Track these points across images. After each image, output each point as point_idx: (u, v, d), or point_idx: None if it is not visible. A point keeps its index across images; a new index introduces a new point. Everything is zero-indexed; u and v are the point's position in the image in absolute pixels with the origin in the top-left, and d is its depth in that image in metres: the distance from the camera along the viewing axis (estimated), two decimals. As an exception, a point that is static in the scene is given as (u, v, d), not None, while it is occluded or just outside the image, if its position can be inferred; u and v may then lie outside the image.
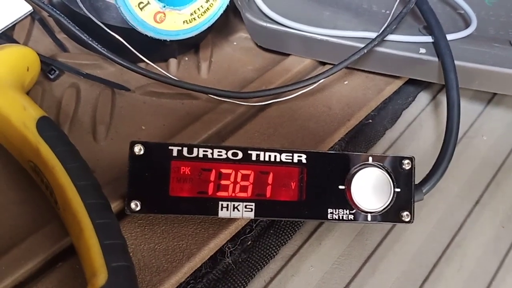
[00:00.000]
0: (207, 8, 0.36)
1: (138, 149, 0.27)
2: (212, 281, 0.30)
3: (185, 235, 0.30)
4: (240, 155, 0.28)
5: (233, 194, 0.28)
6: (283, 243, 0.32)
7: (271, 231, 0.32)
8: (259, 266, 0.31)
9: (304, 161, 0.29)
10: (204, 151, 0.28)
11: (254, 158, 0.29)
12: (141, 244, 0.29)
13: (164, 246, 0.29)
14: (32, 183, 0.30)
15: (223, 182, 0.28)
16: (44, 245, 0.28)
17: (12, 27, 0.39)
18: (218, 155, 0.28)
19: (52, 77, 0.37)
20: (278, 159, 0.29)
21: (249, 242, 0.31)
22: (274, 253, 0.32)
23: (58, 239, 0.28)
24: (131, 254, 0.27)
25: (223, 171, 0.28)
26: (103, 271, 0.24)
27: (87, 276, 0.25)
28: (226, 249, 0.31)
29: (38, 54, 0.35)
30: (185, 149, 0.28)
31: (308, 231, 0.33)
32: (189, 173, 0.28)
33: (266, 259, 0.31)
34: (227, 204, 0.28)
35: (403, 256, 0.33)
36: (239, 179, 0.28)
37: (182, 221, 0.30)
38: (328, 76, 0.38)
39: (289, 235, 0.32)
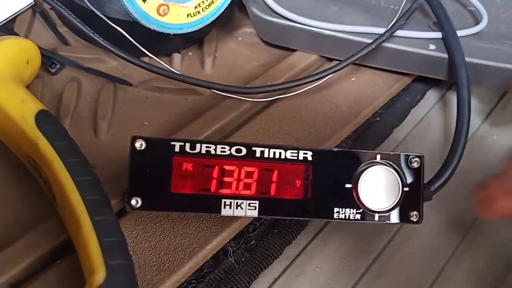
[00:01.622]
0: (212, 1, 0.35)
1: (139, 145, 0.27)
2: (214, 281, 0.29)
3: (187, 233, 0.29)
4: (244, 151, 0.28)
5: (237, 192, 0.27)
6: (288, 243, 0.31)
7: (275, 231, 0.31)
8: (262, 266, 0.30)
9: (309, 158, 0.28)
10: (207, 147, 0.27)
11: (258, 154, 0.28)
12: (141, 242, 0.29)
13: (165, 245, 0.29)
14: (31, 178, 0.29)
15: (226, 179, 0.27)
16: (42, 242, 0.27)
17: (12, 20, 0.38)
18: (221, 152, 0.27)
19: (53, 70, 0.36)
20: (283, 156, 0.28)
21: (253, 242, 0.31)
22: (278, 253, 0.31)
23: (56, 236, 0.27)
24: (131, 252, 0.26)
25: (227, 168, 0.27)
26: (102, 269, 0.23)
27: (85, 274, 0.24)
28: (229, 248, 0.30)
29: (39, 47, 0.34)
30: (187, 145, 0.27)
31: (313, 231, 0.33)
32: (191, 169, 0.27)
33: (270, 259, 0.30)
34: (230, 202, 0.27)
35: (411, 257, 0.32)
36: (242, 176, 0.27)
37: (184, 219, 0.30)
38: (335, 72, 0.37)
39: (294, 235, 0.32)
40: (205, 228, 0.29)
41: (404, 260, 0.32)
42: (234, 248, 0.30)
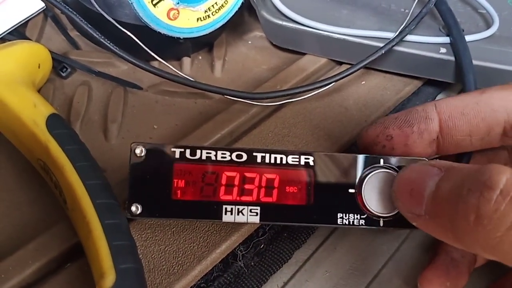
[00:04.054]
0: (222, 5, 0.35)
1: (140, 151, 0.26)
2: (223, 285, 0.29)
3: (197, 237, 0.29)
4: (245, 157, 0.27)
5: (238, 198, 0.27)
6: (297, 247, 0.31)
7: (285, 235, 0.31)
8: (272, 270, 0.30)
9: (311, 163, 0.28)
10: (207, 153, 0.27)
11: (259, 160, 0.27)
12: (151, 245, 0.29)
13: (175, 248, 0.29)
14: (41, 182, 0.29)
15: (227, 185, 0.27)
16: (52, 246, 0.27)
17: (24, 24, 0.38)
18: (222, 157, 0.27)
19: (64, 74, 0.36)
20: (284, 161, 0.27)
21: (262, 246, 0.31)
22: (288, 257, 0.31)
23: (66, 239, 0.28)
24: (140, 256, 0.26)
25: (227, 174, 0.27)
26: (111, 272, 0.23)
27: (95, 277, 0.24)
28: (238, 252, 0.30)
29: (50, 51, 0.34)
30: (188, 151, 0.27)
31: (323, 235, 0.33)
32: (192, 176, 0.27)
33: (279, 263, 0.30)
34: (231, 208, 0.27)
35: (420, 262, 0.32)
36: (243, 182, 0.27)
37: (193, 223, 0.30)
38: (345, 77, 0.37)
39: (303, 239, 0.32)
40: (214, 232, 0.29)
41: (414, 265, 0.32)
42: (244, 252, 0.30)
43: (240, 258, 0.30)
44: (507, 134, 0.28)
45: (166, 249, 0.29)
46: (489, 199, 0.20)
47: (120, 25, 0.33)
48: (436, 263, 0.29)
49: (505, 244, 0.20)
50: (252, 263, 0.30)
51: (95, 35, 0.33)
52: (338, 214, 0.28)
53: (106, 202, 0.26)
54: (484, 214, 0.20)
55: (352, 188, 0.28)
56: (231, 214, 0.27)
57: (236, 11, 0.37)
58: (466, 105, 0.28)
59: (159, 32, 0.34)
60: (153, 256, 0.28)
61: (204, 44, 0.41)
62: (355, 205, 0.28)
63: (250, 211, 0.27)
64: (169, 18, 0.34)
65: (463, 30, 0.39)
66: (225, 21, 0.37)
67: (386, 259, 0.32)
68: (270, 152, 0.28)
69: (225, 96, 0.36)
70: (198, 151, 0.27)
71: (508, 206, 0.20)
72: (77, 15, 0.34)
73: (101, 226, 0.24)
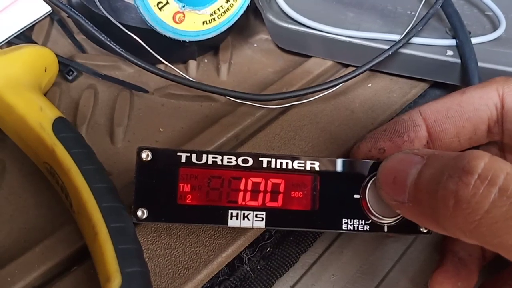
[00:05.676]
0: (227, 8, 0.35)
1: (146, 155, 0.26)
2: (229, 289, 0.29)
3: (203, 241, 0.29)
4: (251, 162, 0.27)
5: (243, 203, 0.27)
6: (303, 251, 0.31)
7: (291, 238, 0.31)
8: (278, 274, 0.30)
9: (317, 168, 0.28)
10: (213, 157, 0.27)
11: (265, 165, 0.27)
12: (157, 249, 0.28)
13: (181, 252, 0.29)
14: (48, 185, 0.29)
15: (233, 190, 0.27)
16: (59, 249, 0.27)
17: (31, 28, 0.38)
18: (228, 162, 0.27)
19: (70, 78, 0.37)
20: (290, 167, 0.27)
21: (268, 249, 0.31)
22: (294, 261, 0.31)
23: (73, 242, 0.28)
24: (147, 259, 0.26)
25: (233, 178, 0.27)
26: (117, 276, 0.23)
27: (101, 280, 0.24)
28: (244, 255, 0.30)
29: (56, 55, 0.34)
30: (193, 156, 0.27)
31: (329, 238, 0.32)
32: (198, 180, 0.27)
33: (285, 267, 0.30)
34: (237, 213, 0.27)
35: (427, 265, 0.32)
36: (249, 187, 0.27)
37: (199, 227, 0.30)
38: (351, 78, 0.36)
39: (310, 243, 0.31)
40: (220, 236, 0.29)
41: (421, 268, 0.32)
42: (250, 256, 0.30)
43: (246, 262, 0.30)
44: (492, 130, 0.28)
45: (172, 252, 0.28)
46: (467, 184, 0.21)
47: (126, 29, 0.34)
48: (445, 265, 0.29)
49: (483, 227, 0.20)
50: (258, 267, 0.30)
51: (101, 37, 0.33)
52: (343, 219, 0.28)
53: (112, 205, 0.26)
54: (462, 198, 0.21)
55: (357, 193, 0.28)
56: (237, 219, 0.27)
57: (242, 14, 0.37)
58: (450, 107, 0.28)
59: (164, 35, 0.34)
60: (159, 259, 0.28)
61: (209, 47, 0.41)
62: (360, 210, 0.28)
63: (256, 216, 0.27)
64: (175, 22, 0.34)
65: (470, 33, 0.39)
66: (231, 24, 0.37)
67: (393, 262, 0.32)
68: (276, 157, 0.27)
69: (231, 98, 0.36)
70: (204, 156, 0.27)
71: (486, 189, 0.20)
72: (84, 18, 0.34)
73: (107, 229, 0.24)
